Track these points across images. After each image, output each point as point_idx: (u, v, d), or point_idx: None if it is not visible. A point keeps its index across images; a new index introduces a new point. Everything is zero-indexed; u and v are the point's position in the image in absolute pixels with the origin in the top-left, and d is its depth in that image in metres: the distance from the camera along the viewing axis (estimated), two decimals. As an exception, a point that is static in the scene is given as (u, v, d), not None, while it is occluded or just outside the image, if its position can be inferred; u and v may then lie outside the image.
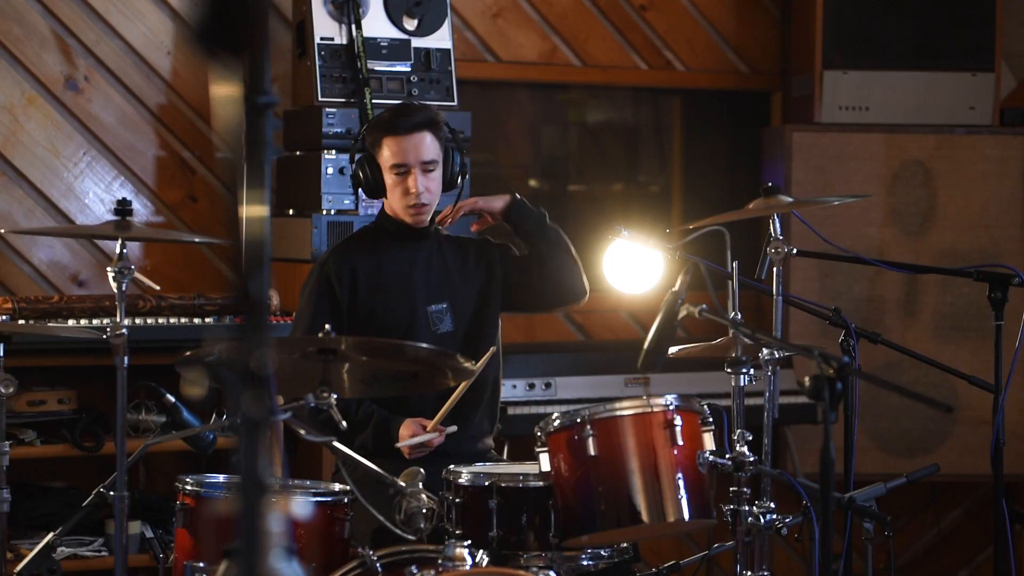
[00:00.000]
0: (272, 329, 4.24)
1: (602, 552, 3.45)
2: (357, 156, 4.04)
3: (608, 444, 3.34)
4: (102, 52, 5.03)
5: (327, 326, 3.08)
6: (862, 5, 5.55)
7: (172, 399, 3.58)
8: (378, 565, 3.20)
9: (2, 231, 4.85)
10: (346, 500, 3.40)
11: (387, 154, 3.93)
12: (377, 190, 3.98)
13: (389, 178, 3.95)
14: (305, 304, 3.96)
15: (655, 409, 3.39)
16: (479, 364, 3.48)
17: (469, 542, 3.18)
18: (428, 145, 3.93)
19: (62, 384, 4.67)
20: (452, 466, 3.50)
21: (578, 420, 3.36)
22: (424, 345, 3.45)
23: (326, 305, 3.91)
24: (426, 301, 3.99)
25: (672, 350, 3.43)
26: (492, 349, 3.78)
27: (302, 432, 3.19)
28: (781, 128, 5.62)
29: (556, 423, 3.38)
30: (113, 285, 3.57)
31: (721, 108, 6.07)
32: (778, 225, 3.67)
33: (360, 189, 4.02)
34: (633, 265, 4.08)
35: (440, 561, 3.15)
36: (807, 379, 2.66)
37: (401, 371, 3.42)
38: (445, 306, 4.00)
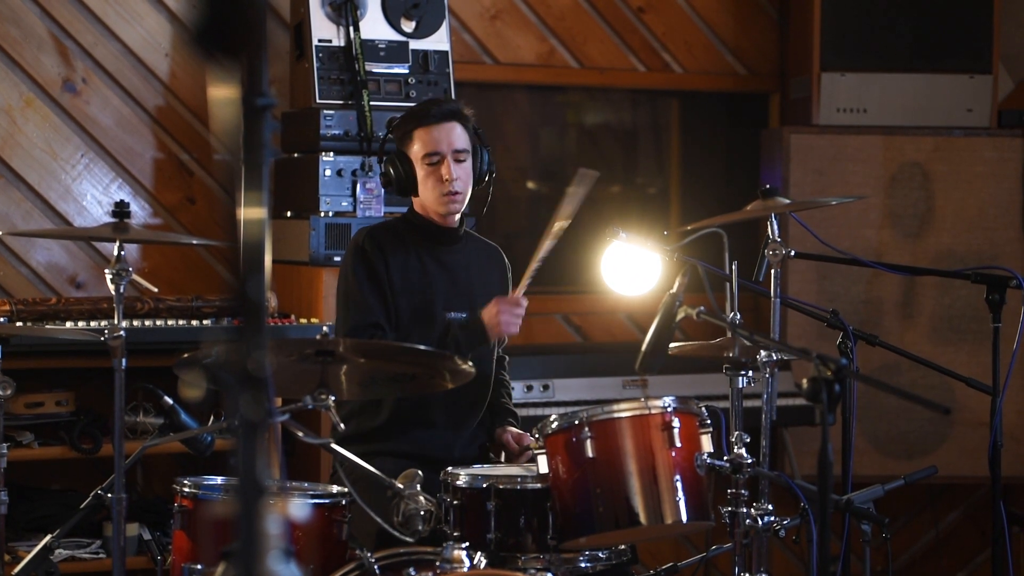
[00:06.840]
0: (270, 331, 4.24)
1: (600, 554, 3.45)
2: (385, 155, 3.98)
3: (606, 446, 3.34)
4: (100, 54, 5.03)
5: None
6: (860, 7, 5.55)
7: (170, 401, 3.58)
8: (376, 567, 3.20)
9: (0, 233, 4.84)
10: (344, 502, 3.40)
11: (419, 146, 3.90)
12: (409, 186, 3.93)
13: (421, 170, 3.90)
14: (350, 280, 3.90)
15: (653, 411, 3.39)
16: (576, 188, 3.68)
17: (467, 544, 3.18)
18: (459, 134, 3.92)
19: (60, 386, 4.67)
20: (450, 468, 3.51)
21: (576, 422, 3.36)
22: (421, 346, 3.45)
23: (368, 277, 3.87)
24: (446, 307, 3.96)
25: (671, 347, 3.43)
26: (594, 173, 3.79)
27: (300, 434, 3.19)
28: (779, 130, 5.61)
29: (554, 425, 3.38)
30: (111, 287, 3.56)
31: (719, 110, 6.06)
32: (776, 227, 3.67)
33: (390, 189, 3.96)
34: (631, 267, 4.08)
35: (438, 563, 3.14)
36: (805, 381, 2.66)
37: (399, 372, 3.41)
38: (464, 316, 3.96)
